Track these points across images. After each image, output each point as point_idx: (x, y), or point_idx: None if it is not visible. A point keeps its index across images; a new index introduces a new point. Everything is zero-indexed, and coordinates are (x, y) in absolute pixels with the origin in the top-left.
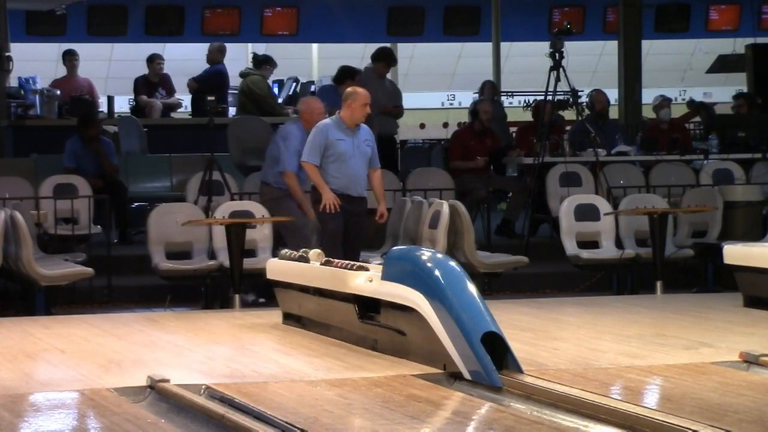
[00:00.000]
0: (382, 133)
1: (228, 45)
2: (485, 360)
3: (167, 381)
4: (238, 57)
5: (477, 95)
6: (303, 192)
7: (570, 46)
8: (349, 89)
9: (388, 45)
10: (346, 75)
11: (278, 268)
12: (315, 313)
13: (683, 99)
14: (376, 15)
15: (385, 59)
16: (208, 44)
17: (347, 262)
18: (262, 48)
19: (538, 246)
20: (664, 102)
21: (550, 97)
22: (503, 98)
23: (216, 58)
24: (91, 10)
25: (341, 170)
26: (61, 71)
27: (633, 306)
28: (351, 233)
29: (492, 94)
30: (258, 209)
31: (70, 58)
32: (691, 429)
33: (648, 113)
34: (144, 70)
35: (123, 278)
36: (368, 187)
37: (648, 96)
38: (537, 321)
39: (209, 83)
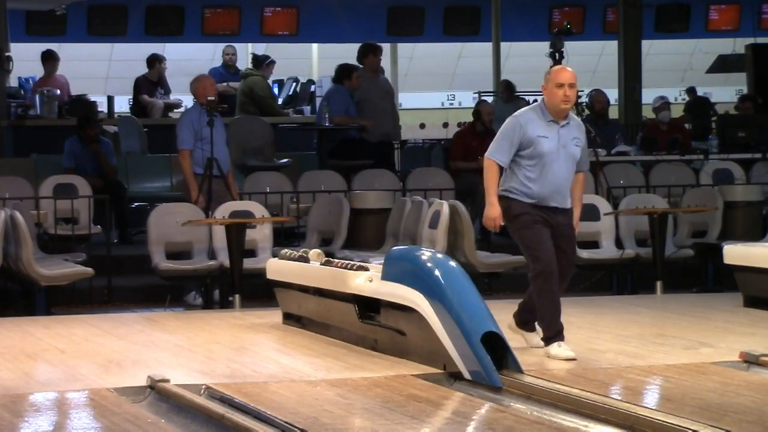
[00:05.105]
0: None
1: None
2: (485, 360)
3: (167, 381)
4: (238, 57)
5: (477, 95)
6: (193, 174)
7: (570, 46)
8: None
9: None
10: (342, 75)
11: (278, 268)
12: (315, 313)
13: (683, 99)
14: (376, 15)
15: (371, 52)
16: (208, 44)
17: (347, 261)
18: (262, 48)
19: None
20: (663, 105)
21: None
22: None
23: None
24: (91, 10)
25: (540, 177)
26: (61, 71)
27: (633, 306)
28: (561, 248)
29: (506, 94)
30: (258, 209)
31: (53, 57)
32: (691, 429)
33: (648, 113)
34: (144, 69)
35: (123, 278)
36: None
37: (648, 96)
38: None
39: None
